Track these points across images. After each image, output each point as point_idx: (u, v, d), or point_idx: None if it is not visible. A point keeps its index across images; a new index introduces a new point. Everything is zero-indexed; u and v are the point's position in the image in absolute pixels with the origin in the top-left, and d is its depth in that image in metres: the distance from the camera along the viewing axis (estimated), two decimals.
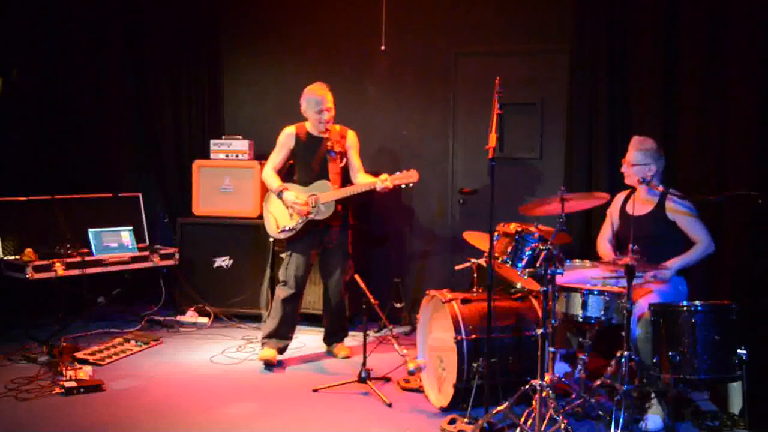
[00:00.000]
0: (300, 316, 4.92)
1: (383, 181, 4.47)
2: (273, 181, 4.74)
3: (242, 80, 6.30)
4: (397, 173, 4.48)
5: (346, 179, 4.79)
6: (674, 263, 3.91)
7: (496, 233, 3.80)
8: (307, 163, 4.72)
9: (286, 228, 4.67)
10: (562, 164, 5.34)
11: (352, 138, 4.82)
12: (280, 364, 4.66)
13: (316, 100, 4.65)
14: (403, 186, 4.48)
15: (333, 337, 4.97)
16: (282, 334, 4.71)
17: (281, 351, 4.72)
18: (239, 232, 5.72)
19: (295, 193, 4.63)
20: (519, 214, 4.00)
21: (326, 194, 4.58)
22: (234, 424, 3.73)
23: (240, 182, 5.81)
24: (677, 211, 3.99)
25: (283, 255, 4.80)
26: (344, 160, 4.77)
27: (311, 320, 5.44)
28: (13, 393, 4.04)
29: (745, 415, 3.48)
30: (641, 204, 4.08)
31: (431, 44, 5.84)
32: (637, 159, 4.05)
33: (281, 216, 4.71)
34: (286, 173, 4.89)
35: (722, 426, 3.57)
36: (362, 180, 4.70)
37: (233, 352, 4.93)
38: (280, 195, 4.64)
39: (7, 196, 5.29)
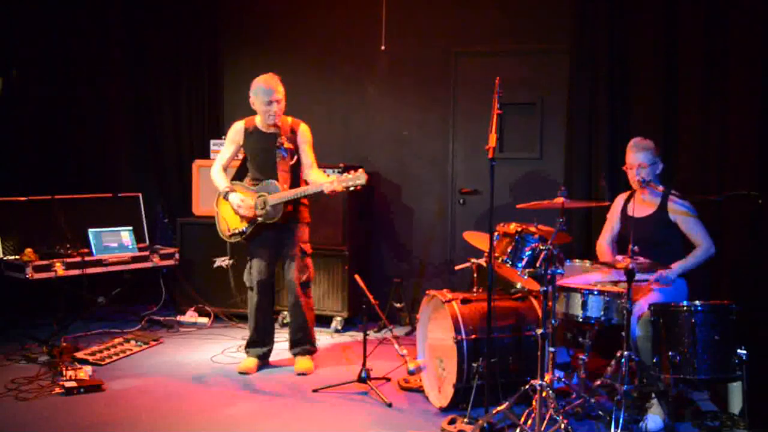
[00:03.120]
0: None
1: (331, 183, 4.15)
2: (220, 180, 4.49)
3: (242, 80, 6.25)
4: (345, 174, 4.11)
5: (297, 177, 4.47)
6: (676, 267, 3.88)
7: (496, 233, 3.79)
8: (256, 160, 4.46)
9: (236, 231, 4.48)
10: (562, 164, 5.35)
11: (304, 132, 4.47)
12: (267, 366, 4.62)
13: (265, 91, 4.34)
14: (352, 188, 4.08)
15: (295, 347, 4.61)
16: (259, 341, 4.61)
17: (262, 358, 4.61)
18: None
19: (241, 195, 4.39)
20: (519, 214, 4.00)
21: (274, 195, 4.29)
22: (234, 424, 3.73)
23: None
24: (678, 213, 3.98)
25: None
26: (295, 156, 4.43)
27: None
28: (13, 393, 4.03)
29: (745, 415, 3.47)
30: (642, 205, 4.06)
31: (431, 44, 5.84)
32: (648, 159, 3.99)
33: (231, 218, 4.48)
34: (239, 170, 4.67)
35: (722, 426, 3.56)
36: (315, 177, 4.39)
37: (233, 352, 4.93)
38: (226, 197, 4.41)
39: (7, 196, 5.29)
